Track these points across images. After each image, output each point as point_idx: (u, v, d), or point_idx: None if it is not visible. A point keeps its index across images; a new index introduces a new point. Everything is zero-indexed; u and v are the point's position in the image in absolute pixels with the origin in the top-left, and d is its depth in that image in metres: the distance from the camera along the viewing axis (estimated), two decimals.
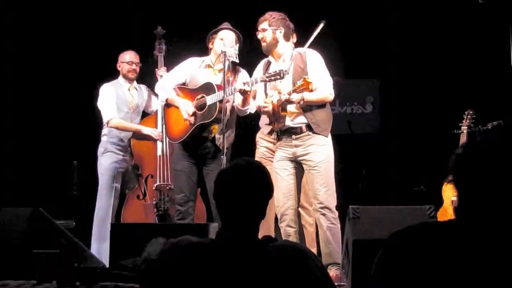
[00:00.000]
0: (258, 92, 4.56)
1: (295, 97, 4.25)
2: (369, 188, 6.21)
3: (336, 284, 3.80)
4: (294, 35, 4.84)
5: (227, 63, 4.40)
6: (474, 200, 1.65)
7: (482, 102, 5.69)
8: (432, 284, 1.58)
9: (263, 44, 4.44)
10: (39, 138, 6.55)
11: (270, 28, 4.41)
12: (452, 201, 5.19)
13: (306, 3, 6.17)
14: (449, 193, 5.24)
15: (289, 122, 4.36)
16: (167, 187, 5.09)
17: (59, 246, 3.41)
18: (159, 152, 5.17)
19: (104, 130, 5.34)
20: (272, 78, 4.27)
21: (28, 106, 6.59)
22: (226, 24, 4.73)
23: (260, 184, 2.03)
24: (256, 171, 2.04)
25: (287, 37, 4.46)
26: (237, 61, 4.50)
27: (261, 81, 4.35)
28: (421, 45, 6.54)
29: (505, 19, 4.99)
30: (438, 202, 5.12)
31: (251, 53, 4.89)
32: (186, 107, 4.66)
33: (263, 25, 4.43)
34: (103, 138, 5.33)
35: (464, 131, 5.26)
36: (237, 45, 4.57)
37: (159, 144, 5.21)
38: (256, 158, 4.88)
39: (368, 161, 6.61)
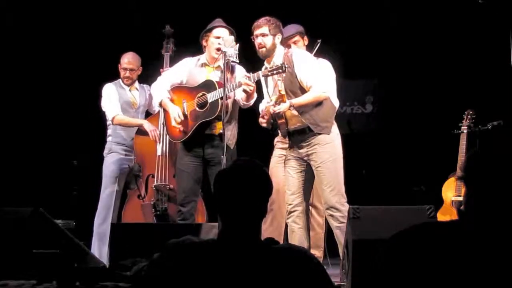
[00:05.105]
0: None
1: (283, 106, 4.27)
2: (369, 188, 6.21)
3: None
4: (306, 38, 4.85)
5: (222, 61, 4.39)
6: (484, 202, 1.64)
7: (482, 102, 5.69)
8: (434, 285, 1.57)
9: (262, 49, 4.39)
10: (39, 138, 6.55)
11: (271, 34, 4.38)
12: (452, 201, 5.19)
13: (306, 4, 6.17)
14: (449, 193, 5.24)
15: (292, 125, 4.39)
16: (167, 187, 5.07)
17: (59, 246, 3.41)
18: (158, 152, 5.15)
19: (109, 131, 5.38)
20: (274, 72, 4.26)
21: (28, 106, 6.59)
22: (218, 21, 4.71)
23: (259, 183, 2.03)
24: (255, 171, 2.04)
25: (280, 43, 4.46)
26: (237, 61, 4.48)
27: (263, 75, 4.35)
28: (421, 45, 6.53)
29: (505, 19, 4.99)
30: (438, 202, 5.12)
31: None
32: (175, 115, 4.66)
33: (262, 30, 4.37)
34: (108, 139, 5.39)
35: (464, 131, 5.24)
36: (237, 45, 4.55)
37: (158, 144, 5.19)
38: (272, 159, 4.93)
39: (368, 161, 6.61)
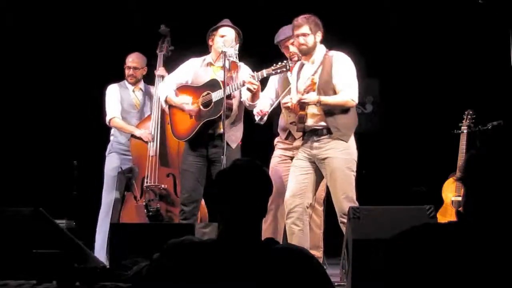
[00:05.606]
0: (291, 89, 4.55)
1: (310, 97, 4.24)
2: (369, 188, 6.21)
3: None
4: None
5: (227, 62, 4.39)
6: (483, 202, 1.64)
7: (482, 102, 5.69)
8: (434, 286, 1.58)
9: (303, 47, 4.36)
10: (39, 138, 6.55)
11: (312, 33, 4.35)
12: (452, 201, 5.19)
13: (305, 4, 6.16)
14: (449, 193, 5.24)
15: (311, 123, 4.34)
16: (159, 187, 5.05)
17: (59, 246, 3.41)
18: (150, 153, 5.14)
19: (112, 130, 5.40)
20: (278, 71, 4.27)
21: (29, 106, 6.59)
22: (226, 21, 4.72)
23: (259, 183, 2.03)
24: (255, 171, 2.04)
25: (321, 41, 4.44)
26: (237, 61, 4.48)
27: (267, 74, 4.35)
28: (421, 45, 6.53)
29: (505, 19, 4.99)
30: (438, 202, 5.12)
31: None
32: (182, 100, 4.66)
33: (303, 29, 4.34)
34: (111, 138, 5.42)
35: (464, 131, 5.25)
36: (237, 45, 4.55)
37: (150, 144, 5.17)
38: (272, 160, 4.92)
39: (368, 161, 6.60)
